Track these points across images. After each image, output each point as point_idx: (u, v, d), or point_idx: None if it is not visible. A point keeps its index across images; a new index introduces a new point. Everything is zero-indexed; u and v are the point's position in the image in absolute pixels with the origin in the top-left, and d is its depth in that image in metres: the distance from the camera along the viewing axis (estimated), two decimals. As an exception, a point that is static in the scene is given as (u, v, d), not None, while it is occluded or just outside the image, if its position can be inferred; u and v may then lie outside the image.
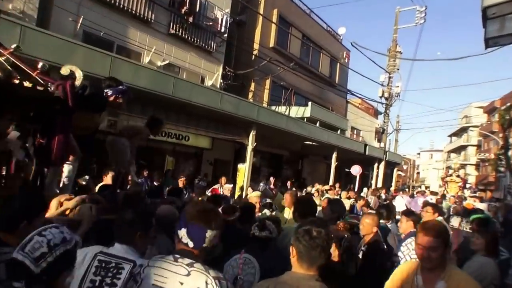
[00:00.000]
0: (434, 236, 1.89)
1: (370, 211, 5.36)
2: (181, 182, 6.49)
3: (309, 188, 11.36)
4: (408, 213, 3.90)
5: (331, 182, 14.22)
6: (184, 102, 7.62)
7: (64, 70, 2.61)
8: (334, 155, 14.04)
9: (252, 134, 10.03)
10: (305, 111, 14.00)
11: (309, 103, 14.02)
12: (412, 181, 54.26)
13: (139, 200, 2.87)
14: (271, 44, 14.37)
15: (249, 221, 3.10)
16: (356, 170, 14.15)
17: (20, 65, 2.49)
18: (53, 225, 1.26)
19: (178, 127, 8.19)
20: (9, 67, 2.40)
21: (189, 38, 10.53)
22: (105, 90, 3.12)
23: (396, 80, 19.30)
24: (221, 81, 12.09)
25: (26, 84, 2.42)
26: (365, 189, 13.47)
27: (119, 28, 8.61)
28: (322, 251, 1.45)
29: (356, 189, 13.62)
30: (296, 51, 15.89)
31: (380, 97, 19.26)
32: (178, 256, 1.40)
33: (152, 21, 9.43)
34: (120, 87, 3.16)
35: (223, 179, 8.33)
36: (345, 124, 17.05)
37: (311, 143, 13.80)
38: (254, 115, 9.80)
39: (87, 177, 4.05)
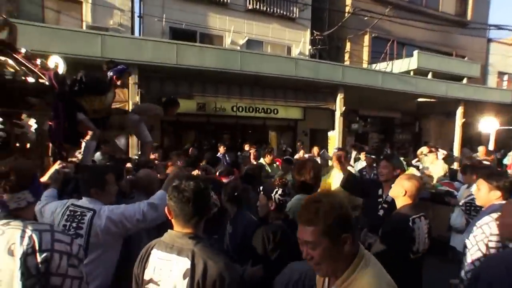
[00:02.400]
0: (307, 223, 1.07)
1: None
2: (222, 149, 6.34)
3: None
4: (491, 175, 2.13)
5: (456, 144, 11.05)
6: (255, 75, 7.25)
7: (50, 62, 2.72)
8: (460, 111, 10.73)
9: (339, 97, 8.74)
10: (410, 63, 11.11)
11: (415, 52, 10.96)
12: None
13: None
14: (367, -8, 11.84)
15: (251, 183, 3.04)
16: (487, 125, 9.98)
17: (27, 64, 2.76)
18: None
19: (254, 101, 7.90)
20: (17, 67, 2.69)
21: (268, 9, 9.86)
22: (108, 73, 3.21)
23: None
24: (310, 47, 10.93)
25: (30, 79, 2.66)
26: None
27: (199, 17, 8.89)
28: (195, 205, 1.28)
29: (491, 149, 10.00)
30: (402, -8, 12.60)
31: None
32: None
33: (229, 1, 9.26)
34: (119, 67, 3.19)
35: (315, 149, 7.67)
36: (474, 70, 12.60)
37: (426, 100, 10.98)
38: (338, 77, 8.46)
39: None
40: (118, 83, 3.18)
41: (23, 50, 2.86)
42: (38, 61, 2.79)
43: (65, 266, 1.27)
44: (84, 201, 1.91)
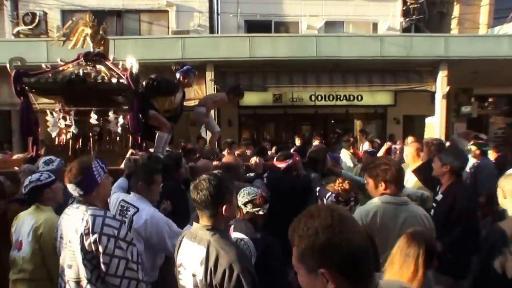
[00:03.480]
0: (292, 237, 0.87)
1: None
2: (298, 141, 6.30)
3: None
4: None
5: None
6: (332, 59, 7.03)
7: (127, 63, 3.30)
8: None
9: (441, 76, 7.67)
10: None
11: None
12: None
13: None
14: None
15: (315, 167, 3.13)
16: None
17: (113, 68, 3.46)
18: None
19: (333, 88, 7.65)
20: (107, 72, 3.41)
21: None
22: (176, 74, 3.68)
23: None
24: (402, 20, 9.82)
25: (113, 80, 3.33)
26: None
27: (273, 6, 9.07)
28: (210, 199, 1.44)
29: None
30: None
31: None
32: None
33: (304, -16, 9.13)
34: (184, 67, 3.63)
35: (410, 139, 7.01)
36: None
37: None
38: (439, 51, 7.46)
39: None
40: (185, 82, 3.63)
41: (111, 57, 3.59)
42: (120, 64, 3.45)
43: (112, 247, 1.59)
44: (132, 197, 2.13)
